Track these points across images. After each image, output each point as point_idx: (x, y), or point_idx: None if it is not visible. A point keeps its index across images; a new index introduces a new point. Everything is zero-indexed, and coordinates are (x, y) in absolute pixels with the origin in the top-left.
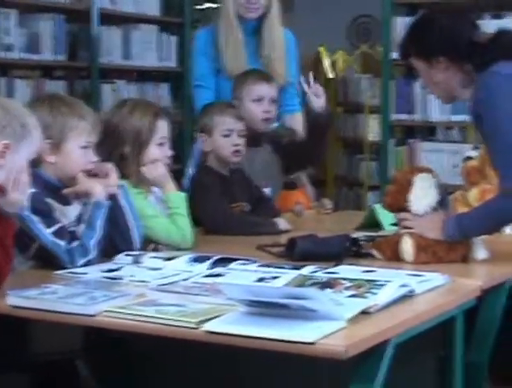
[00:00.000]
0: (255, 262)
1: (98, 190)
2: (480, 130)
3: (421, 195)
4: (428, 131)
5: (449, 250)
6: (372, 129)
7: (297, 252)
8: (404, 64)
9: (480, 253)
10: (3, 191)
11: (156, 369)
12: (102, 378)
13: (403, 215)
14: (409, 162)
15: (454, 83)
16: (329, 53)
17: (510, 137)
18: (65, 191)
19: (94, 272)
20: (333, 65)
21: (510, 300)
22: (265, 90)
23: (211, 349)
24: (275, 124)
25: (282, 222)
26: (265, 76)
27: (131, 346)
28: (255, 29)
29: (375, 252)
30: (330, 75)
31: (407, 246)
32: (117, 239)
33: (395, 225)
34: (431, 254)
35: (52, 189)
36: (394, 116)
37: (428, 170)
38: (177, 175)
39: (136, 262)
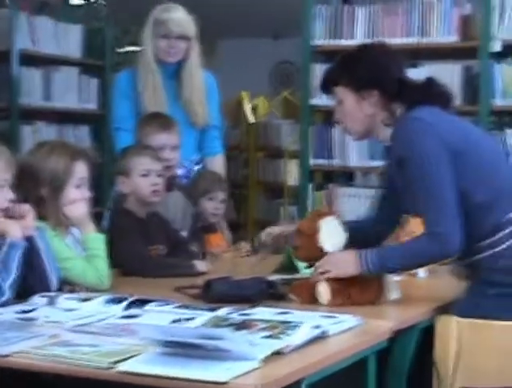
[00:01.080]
0: (171, 303)
1: (14, 230)
2: (401, 173)
3: (331, 237)
4: (347, 176)
5: (363, 292)
6: (292, 174)
7: (212, 294)
8: (323, 110)
9: (393, 293)
10: None
11: None
12: None
13: (318, 264)
14: (329, 207)
15: (378, 120)
16: (250, 98)
17: (433, 182)
18: None
19: (8, 313)
20: (255, 109)
21: (421, 342)
22: (164, 138)
23: None
24: (197, 167)
25: (199, 264)
26: (164, 124)
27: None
28: (175, 72)
29: (291, 295)
30: (251, 120)
31: (322, 290)
32: (33, 281)
33: (309, 267)
34: (346, 296)
35: None
36: (313, 161)
37: (329, 213)
38: (96, 217)
39: (52, 303)
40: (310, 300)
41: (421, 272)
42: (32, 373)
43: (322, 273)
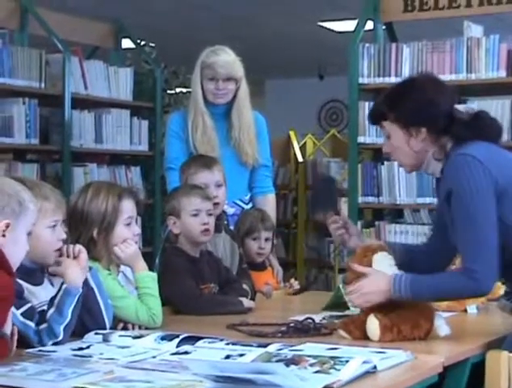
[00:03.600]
0: (222, 340)
1: (74, 276)
2: (447, 207)
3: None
4: (395, 213)
5: (413, 327)
6: (342, 212)
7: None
8: (371, 148)
9: (443, 330)
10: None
11: None
12: None
13: (354, 287)
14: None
15: (428, 154)
16: (298, 137)
17: (477, 219)
18: (51, 269)
19: (64, 351)
20: (303, 148)
21: (472, 377)
22: (206, 177)
23: None
24: (248, 206)
25: (246, 301)
26: (206, 162)
27: None
28: (225, 113)
29: (341, 332)
30: (300, 159)
31: (373, 326)
32: (87, 320)
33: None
34: (396, 333)
35: (23, 270)
36: (362, 199)
37: (381, 248)
38: (147, 257)
39: (106, 340)
40: (360, 336)
41: (472, 308)
42: None
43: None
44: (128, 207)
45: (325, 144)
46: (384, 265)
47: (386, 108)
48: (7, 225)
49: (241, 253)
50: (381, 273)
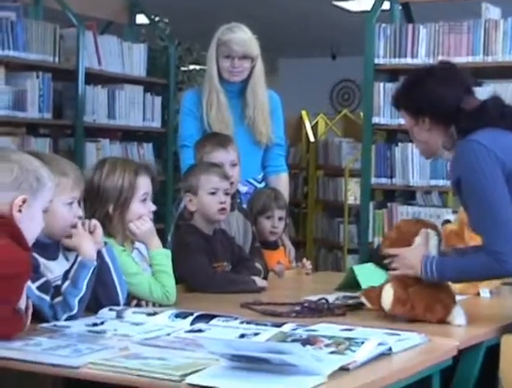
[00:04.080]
0: (237, 319)
1: (88, 249)
2: (459, 194)
3: (426, 248)
4: (408, 195)
5: (426, 310)
6: (352, 193)
7: None
8: (385, 128)
9: (459, 319)
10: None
11: None
12: None
13: (392, 251)
14: (389, 226)
15: (435, 144)
16: (310, 117)
17: (490, 202)
18: (63, 242)
19: (78, 326)
20: (315, 128)
21: (486, 361)
22: (222, 155)
23: None
24: (261, 185)
25: (258, 280)
26: (221, 141)
27: None
28: (239, 92)
29: (363, 299)
30: (311, 138)
31: (387, 296)
32: (101, 295)
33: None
34: (408, 308)
35: (38, 245)
36: (374, 180)
37: (433, 227)
38: (159, 234)
39: (119, 316)
40: (378, 304)
41: (485, 292)
42: (93, 386)
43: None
44: (144, 183)
45: (337, 124)
46: (430, 242)
47: (399, 95)
48: (24, 201)
49: (253, 232)
50: (415, 251)
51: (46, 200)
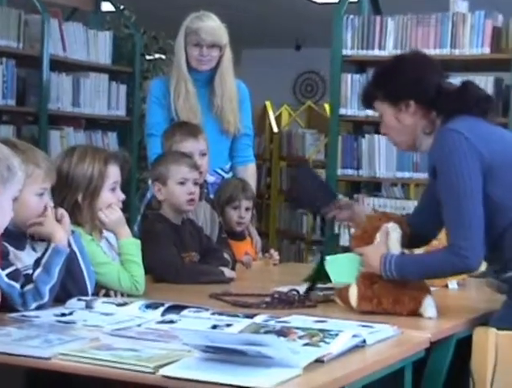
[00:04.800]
0: (208, 310)
1: (61, 236)
2: (434, 183)
3: (388, 243)
4: (373, 187)
5: (395, 303)
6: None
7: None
8: (352, 120)
9: (430, 311)
10: None
11: None
12: None
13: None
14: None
15: (419, 129)
16: (274, 108)
17: (463, 195)
18: (30, 230)
19: (47, 316)
20: (278, 119)
21: (456, 353)
22: (192, 145)
23: None
24: (229, 175)
25: (227, 271)
26: (191, 130)
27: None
28: (208, 81)
29: (337, 299)
30: (275, 129)
31: (352, 294)
32: (70, 285)
33: None
34: (376, 304)
35: (7, 234)
36: (340, 171)
37: (397, 220)
38: None
39: (89, 307)
40: (349, 304)
41: (453, 284)
42: (64, 377)
43: None
44: (114, 172)
45: (301, 115)
46: (391, 236)
47: (374, 88)
48: None
49: (220, 222)
50: (378, 252)
51: (15, 190)
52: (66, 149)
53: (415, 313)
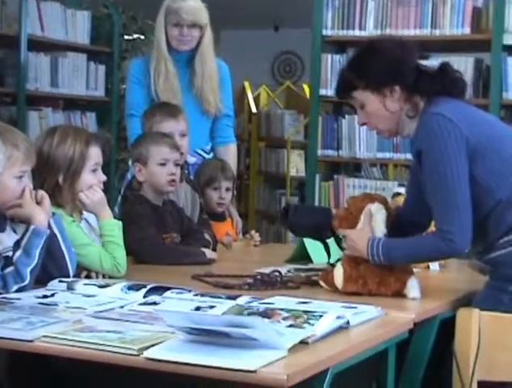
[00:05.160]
0: (190, 291)
1: (41, 217)
2: (418, 167)
3: (373, 223)
4: (352, 167)
5: (380, 284)
6: (294, 165)
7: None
8: (332, 101)
9: (413, 292)
10: None
11: None
12: None
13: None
14: (334, 198)
15: (403, 114)
16: (252, 88)
17: (448, 179)
18: (9, 212)
19: (29, 298)
20: (257, 99)
21: (439, 334)
22: (172, 126)
23: (146, 377)
24: (209, 156)
25: (208, 252)
26: (171, 111)
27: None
28: (188, 61)
29: (321, 283)
30: (254, 110)
31: (338, 275)
32: (51, 267)
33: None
34: (361, 284)
35: None
36: (320, 152)
37: (381, 200)
38: None
39: (70, 288)
40: (334, 286)
41: (434, 265)
42: (44, 360)
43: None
44: (96, 153)
45: (279, 95)
46: (375, 218)
47: (354, 77)
48: None
49: (201, 203)
50: (364, 235)
51: None
52: (47, 130)
53: (399, 293)
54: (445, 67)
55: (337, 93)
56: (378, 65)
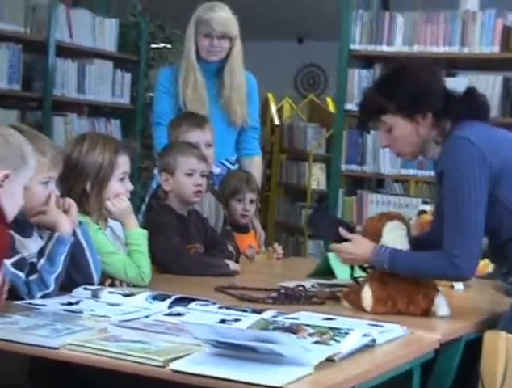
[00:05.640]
0: (215, 303)
1: (66, 225)
2: (440, 187)
3: (392, 242)
4: (375, 183)
5: (409, 303)
6: (316, 178)
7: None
8: (357, 115)
9: (442, 310)
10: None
11: None
12: None
13: (334, 247)
14: (357, 213)
15: (431, 139)
16: (276, 100)
17: (465, 203)
18: (33, 219)
19: (54, 304)
20: (280, 112)
21: (463, 355)
22: (198, 136)
23: None
24: (234, 167)
25: (232, 264)
26: (198, 121)
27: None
28: (217, 71)
29: (344, 303)
30: (277, 122)
31: (366, 297)
32: (75, 275)
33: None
34: (390, 306)
35: (13, 221)
36: (344, 167)
37: (398, 218)
38: None
39: (95, 296)
40: (359, 306)
41: (459, 285)
42: (66, 368)
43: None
44: (124, 162)
45: (303, 108)
46: (394, 234)
47: (384, 100)
48: (6, 176)
49: (225, 214)
50: (367, 241)
51: (27, 178)
52: (76, 137)
53: (428, 312)
54: (471, 91)
55: (362, 113)
56: (411, 88)
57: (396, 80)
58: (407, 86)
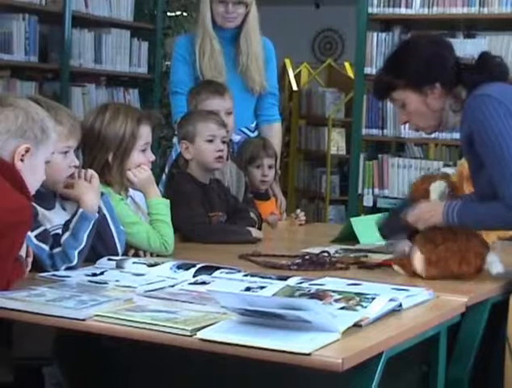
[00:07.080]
0: (240, 271)
1: (89, 200)
2: (469, 150)
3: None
4: (397, 147)
5: (461, 263)
6: (335, 143)
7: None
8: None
9: (495, 267)
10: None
11: (134, 376)
12: (77, 383)
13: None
14: (378, 178)
15: (447, 108)
16: (293, 66)
17: (507, 153)
18: (61, 190)
19: (78, 276)
20: (297, 77)
21: (490, 317)
22: (218, 103)
23: (196, 357)
24: (254, 134)
25: (254, 231)
26: (217, 89)
27: (106, 352)
28: (233, 38)
29: (396, 267)
30: (295, 87)
31: (418, 261)
32: (100, 247)
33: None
34: (443, 268)
35: (35, 194)
36: (365, 131)
37: (441, 177)
38: None
39: (119, 267)
40: (412, 271)
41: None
42: (90, 338)
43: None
44: (146, 132)
45: (320, 73)
46: (436, 192)
47: (393, 77)
48: (27, 150)
49: (246, 181)
50: (433, 203)
51: (48, 152)
52: (98, 107)
53: (480, 271)
54: (484, 56)
55: (376, 95)
56: (416, 63)
57: (401, 56)
58: (412, 60)
